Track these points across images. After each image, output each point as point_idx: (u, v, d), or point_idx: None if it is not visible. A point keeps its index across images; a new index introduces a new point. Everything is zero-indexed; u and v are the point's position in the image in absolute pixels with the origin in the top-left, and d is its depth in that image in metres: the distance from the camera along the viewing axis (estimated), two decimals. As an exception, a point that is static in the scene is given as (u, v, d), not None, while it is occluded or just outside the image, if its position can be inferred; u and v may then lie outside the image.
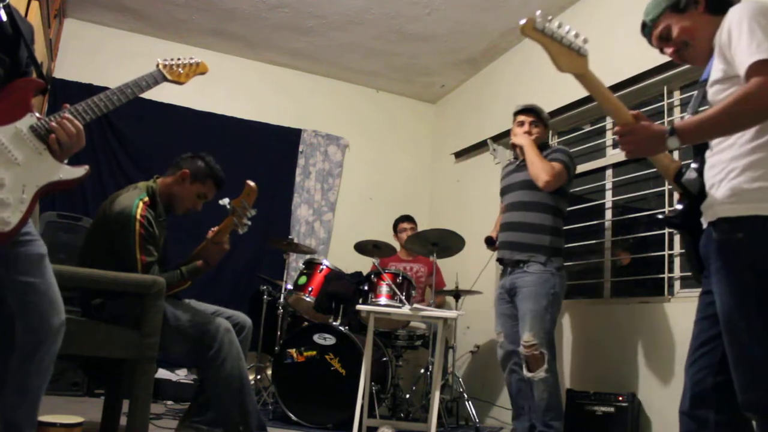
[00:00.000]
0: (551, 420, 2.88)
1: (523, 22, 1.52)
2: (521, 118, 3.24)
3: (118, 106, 1.72)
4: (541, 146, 3.18)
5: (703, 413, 1.58)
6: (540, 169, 3.02)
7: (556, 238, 3.07)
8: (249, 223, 2.53)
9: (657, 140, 1.50)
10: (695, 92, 1.73)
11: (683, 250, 3.11)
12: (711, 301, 1.56)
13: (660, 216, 1.79)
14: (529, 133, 3.18)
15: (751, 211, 1.42)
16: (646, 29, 1.77)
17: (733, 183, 1.46)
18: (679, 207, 1.71)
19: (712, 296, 1.53)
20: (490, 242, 3.41)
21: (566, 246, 3.63)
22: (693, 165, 1.68)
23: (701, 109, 1.61)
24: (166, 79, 1.89)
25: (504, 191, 3.31)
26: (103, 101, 1.68)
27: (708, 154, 1.58)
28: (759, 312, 1.40)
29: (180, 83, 1.95)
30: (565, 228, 3.34)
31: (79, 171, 1.62)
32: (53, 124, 1.55)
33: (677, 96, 3.34)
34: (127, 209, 2.38)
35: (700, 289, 1.66)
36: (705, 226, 1.56)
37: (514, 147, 3.25)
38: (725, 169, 1.49)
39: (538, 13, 1.52)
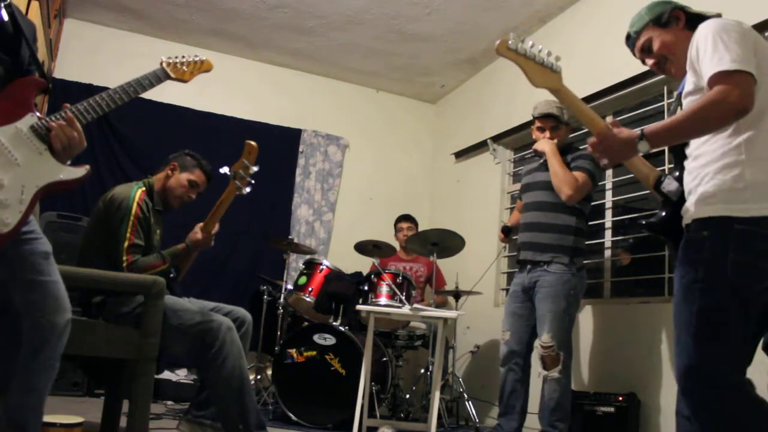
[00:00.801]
0: (557, 420, 2.86)
1: (497, 43, 1.63)
2: (540, 123, 3.14)
3: (120, 105, 1.72)
4: (566, 147, 3.12)
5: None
6: (563, 182, 2.94)
7: (578, 239, 3.02)
8: (252, 182, 2.53)
9: (629, 145, 1.56)
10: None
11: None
12: None
13: (643, 221, 1.86)
14: (551, 139, 3.11)
15: (718, 212, 1.50)
16: (631, 40, 1.86)
17: (705, 187, 1.54)
18: (662, 214, 1.78)
19: None
20: (507, 231, 3.33)
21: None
22: (675, 173, 1.76)
23: None
24: (169, 77, 1.89)
25: (525, 188, 3.24)
26: (105, 100, 1.67)
27: (686, 162, 1.66)
28: (699, 309, 1.49)
29: (184, 81, 1.95)
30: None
31: (80, 171, 1.62)
32: (52, 124, 1.55)
33: (677, 96, 3.34)
34: (125, 193, 2.52)
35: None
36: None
37: (536, 151, 3.16)
38: (699, 175, 1.57)
39: (511, 34, 1.64)
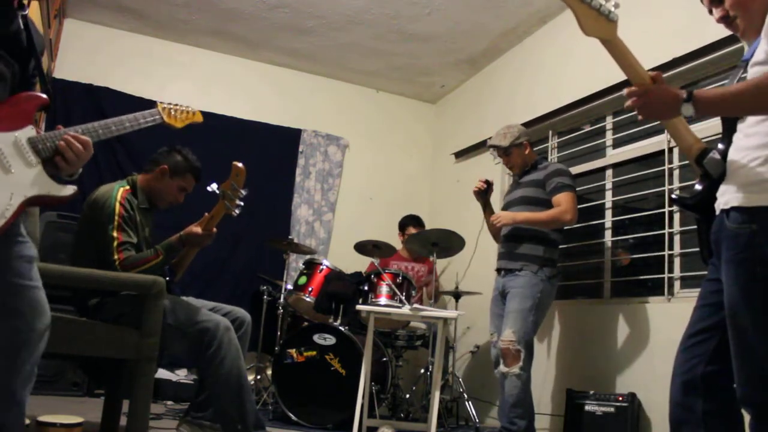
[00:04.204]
0: (516, 417, 2.93)
1: None
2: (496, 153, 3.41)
3: (112, 137, 1.79)
4: (534, 164, 3.34)
5: (690, 401, 1.56)
6: (555, 218, 3.12)
7: (549, 249, 3.17)
8: (241, 204, 2.52)
9: (672, 104, 1.41)
10: (734, 71, 1.61)
11: (684, 249, 3.12)
12: (714, 289, 1.52)
13: (674, 196, 1.74)
14: (510, 167, 3.40)
15: (766, 202, 1.36)
16: None
17: (753, 172, 1.39)
18: (698, 188, 1.62)
19: (717, 284, 1.49)
20: (488, 185, 3.55)
21: (566, 246, 3.65)
22: (719, 146, 1.58)
23: None
24: (162, 122, 1.98)
25: (506, 206, 3.43)
26: (102, 129, 1.72)
27: (735, 137, 1.50)
28: (766, 308, 1.36)
29: (175, 127, 2.05)
30: (565, 228, 3.35)
31: (68, 190, 1.63)
32: (61, 143, 1.58)
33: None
34: (107, 194, 2.50)
35: (699, 290, 1.64)
36: (718, 212, 1.50)
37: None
38: (747, 156, 1.42)
39: None
